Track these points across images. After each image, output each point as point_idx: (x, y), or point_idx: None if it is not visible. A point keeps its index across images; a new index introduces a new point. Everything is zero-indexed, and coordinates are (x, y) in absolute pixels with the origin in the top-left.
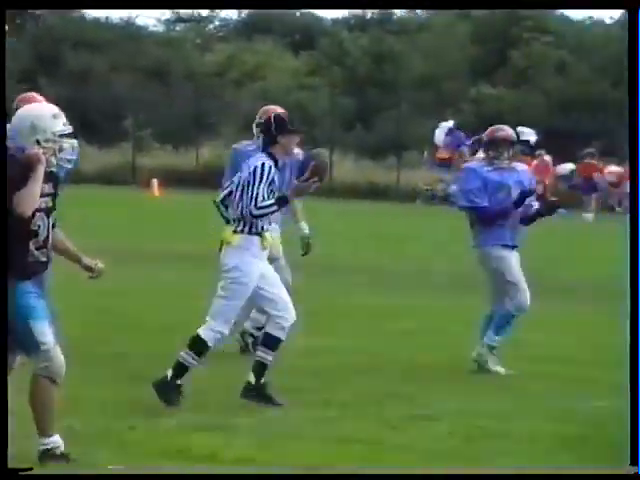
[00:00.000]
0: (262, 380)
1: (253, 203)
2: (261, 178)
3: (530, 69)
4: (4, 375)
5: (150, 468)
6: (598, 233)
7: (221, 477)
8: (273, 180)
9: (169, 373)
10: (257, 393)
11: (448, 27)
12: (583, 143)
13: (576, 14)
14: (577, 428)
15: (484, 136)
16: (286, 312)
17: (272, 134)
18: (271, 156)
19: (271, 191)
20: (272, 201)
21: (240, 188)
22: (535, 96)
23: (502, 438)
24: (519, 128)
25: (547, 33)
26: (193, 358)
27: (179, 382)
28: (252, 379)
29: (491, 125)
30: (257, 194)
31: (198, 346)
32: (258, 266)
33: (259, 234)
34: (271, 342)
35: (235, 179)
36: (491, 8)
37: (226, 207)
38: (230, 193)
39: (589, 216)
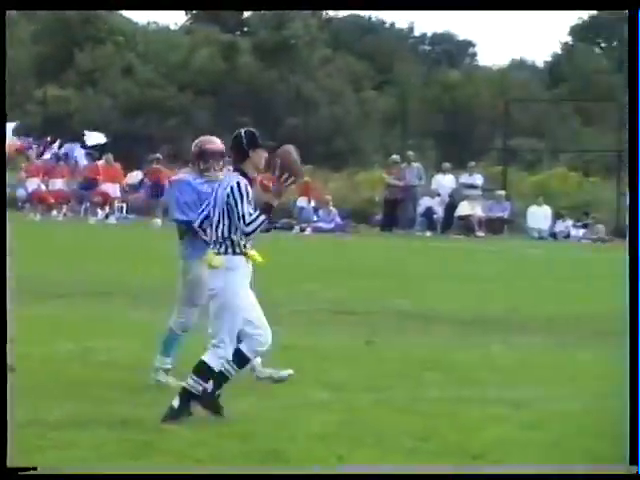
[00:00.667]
0: (218, 391)
1: (242, 222)
2: (241, 196)
3: (97, 71)
4: (4, 375)
5: (151, 468)
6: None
7: (222, 477)
8: (250, 200)
9: (175, 403)
10: (210, 402)
11: (9, 25)
12: (150, 147)
13: (140, 18)
14: (141, 434)
15: (194, 148)
16: (263, 336)
17: (243, 150)
18: (243, 174)
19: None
20: (258, 213)
21: (219, 210)
22: (102, 99)
23: (70, 446)
24: (86, 132)
25: (115, 35)
26: (200, 384)
27: (189, 407)
28: (209, 386)
29: (57, 126)
30: (244, 213)
31: (205, 372)
32: (246, 285)
33: (243, 253)
34: (241, 360)
35: (210, 201)
36: (491, 9)
37: (204, 231)
38: (207, 216)
39: (158, 221)
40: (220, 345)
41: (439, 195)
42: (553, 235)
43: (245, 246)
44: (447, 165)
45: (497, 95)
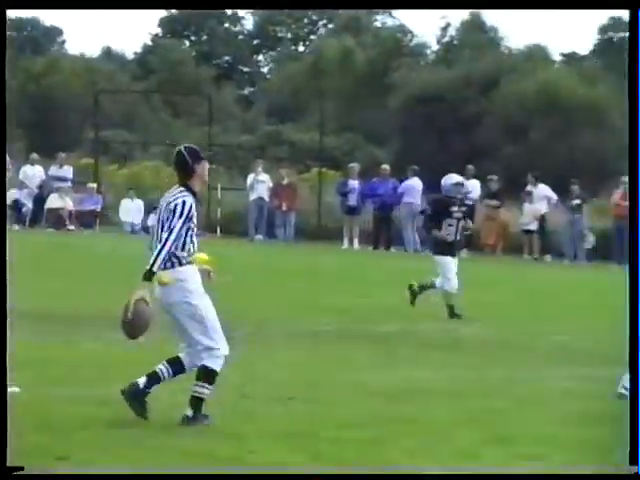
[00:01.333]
0: (149, 390)
1: (167, 235)
2: (181, 215)
3: None
4: (4, 375)
5: (151, 468)
6: None
7: (223, 477)
8: (191, 218)
9: (189, 413)
10: (139, 398)
11: None
12: None
13: None
14: None
15: None
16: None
17: (189, 166)
18: (190, 190)
19: (189, 228)
20: (156, 266)
21: (159, 226)
22: None
23: None
24: None
25: None
26: (207, 388)
27: (204, 414)
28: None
29: None
30: (172, 228)
31: (210, 377)
32: (201, 292)
33: (190, 262)
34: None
35: (155, 220)
36: (490, 8)
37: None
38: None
39: None
40: (213, 346)
41: (27, 187)
42: (145, 229)
43: (190, 255)
44: (35, 156)
45: (86, 85)
